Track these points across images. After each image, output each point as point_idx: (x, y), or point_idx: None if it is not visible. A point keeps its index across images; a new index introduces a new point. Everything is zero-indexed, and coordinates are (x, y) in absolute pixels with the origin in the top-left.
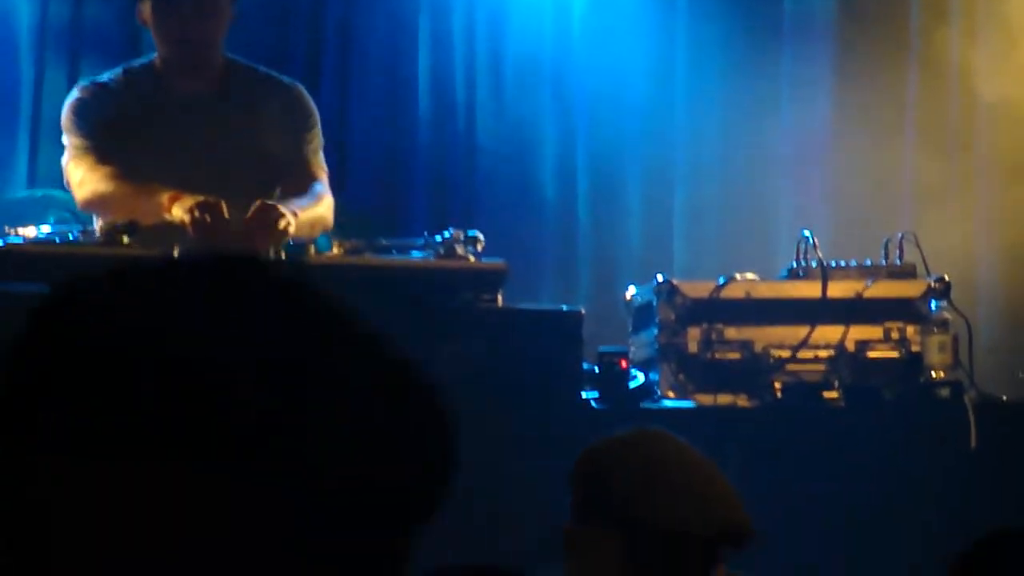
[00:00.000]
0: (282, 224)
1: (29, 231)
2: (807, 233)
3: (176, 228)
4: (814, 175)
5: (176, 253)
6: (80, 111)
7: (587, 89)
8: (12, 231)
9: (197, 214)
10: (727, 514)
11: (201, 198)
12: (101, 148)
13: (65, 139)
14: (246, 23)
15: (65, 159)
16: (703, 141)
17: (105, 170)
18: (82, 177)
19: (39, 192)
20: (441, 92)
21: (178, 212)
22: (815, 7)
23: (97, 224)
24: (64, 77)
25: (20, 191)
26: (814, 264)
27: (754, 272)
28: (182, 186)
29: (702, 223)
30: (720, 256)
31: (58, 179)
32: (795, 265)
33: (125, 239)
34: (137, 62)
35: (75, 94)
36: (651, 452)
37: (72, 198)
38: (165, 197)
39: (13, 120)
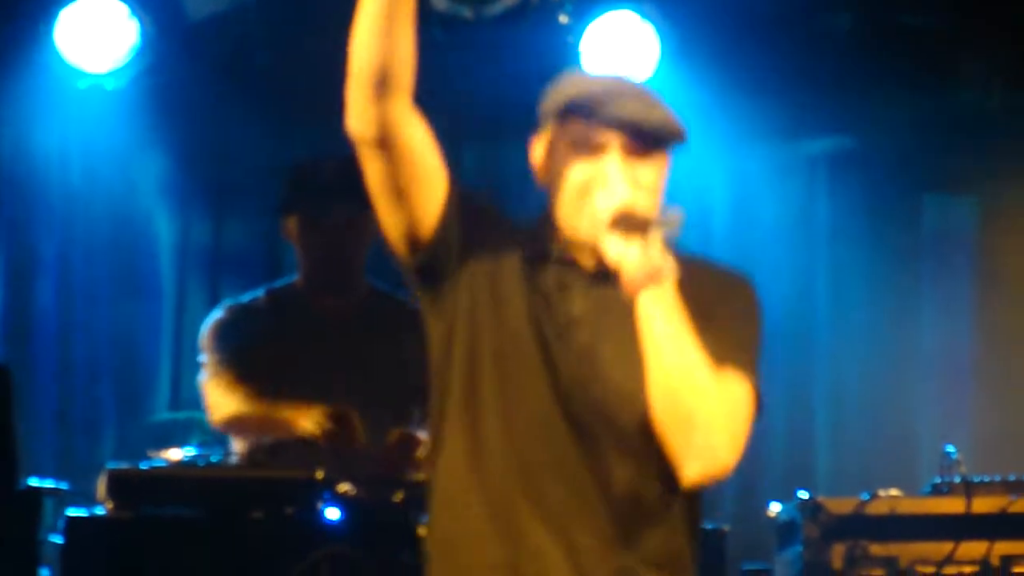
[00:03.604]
0: (421, 451)
1: (173, 454)
2: (950, 449)
3: (316, 450)
4: (957, 388)
5: (319, 475)
6: (219, 332)
7: None
8: (156, 454)
9: (326, 424)
10: None
11: (331, 409)
12: (237, 370)
13: (202, 358)
14: None
15: (201, 379)
16: (844, 356)
17: (239, 392)
18: (216, 400)
19: (182, 415)
20: None
21: (307, 423)
22: (954, 219)
23: (236, 446)
24: (204, 298)
25: (163, 414)
26: (958, 479)
27: (897, 488)
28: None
29: (844, 438)
30: (863, 471)
31: (200, 402)
32: (939, 480)
33: (267, 461)
34: (280, 283)
35: (216, 315)
36: None
37: None
38: (295, 411)
39: (155, 342)
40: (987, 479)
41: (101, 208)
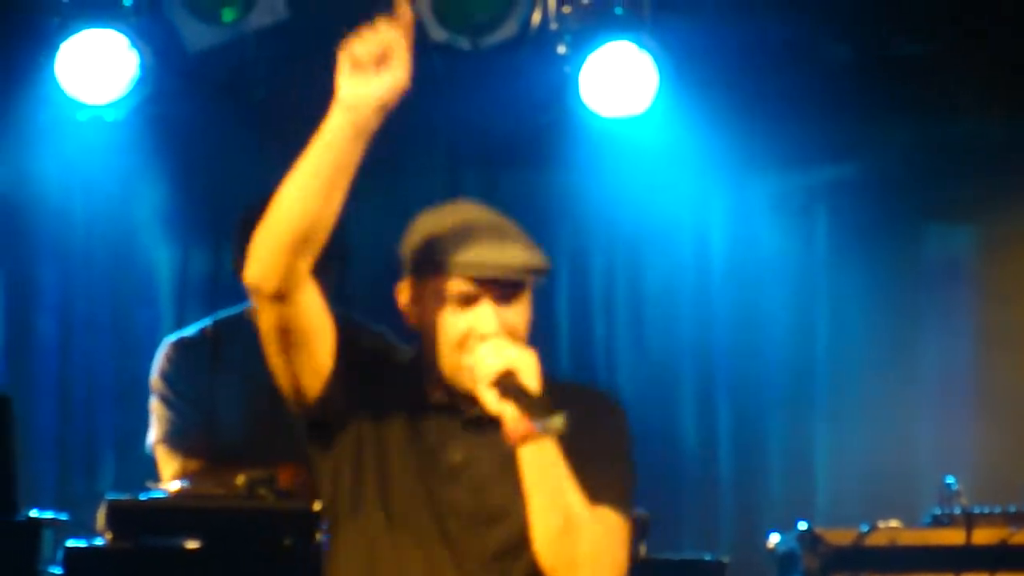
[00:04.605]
0: None
1: (171, 485)
2: (951, 480)
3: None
4: (957, 420)
5: (315, 506)
6: (168, 377)
7: (727, 333)
8: (154, 485)
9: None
10: None
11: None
12: (186, 433)
13: (152, 409)
14: None
15: (152, 438)
16: (844, 386)
17: (193, 464)
18: (167, 471)
19: None
20: (580, 336)
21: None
22: (955, 249)
23: (239, 478)
24: None
25: None
26: (958, 511)
27: (897, 519)
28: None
29: (844, 468)
30: (863, 502)
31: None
32: (939, 512)
33: (264, 492)
34: (227, 312)
35: (161, 355)
36: None
37: None
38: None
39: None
40: (988, 510)
41: (101, 238)
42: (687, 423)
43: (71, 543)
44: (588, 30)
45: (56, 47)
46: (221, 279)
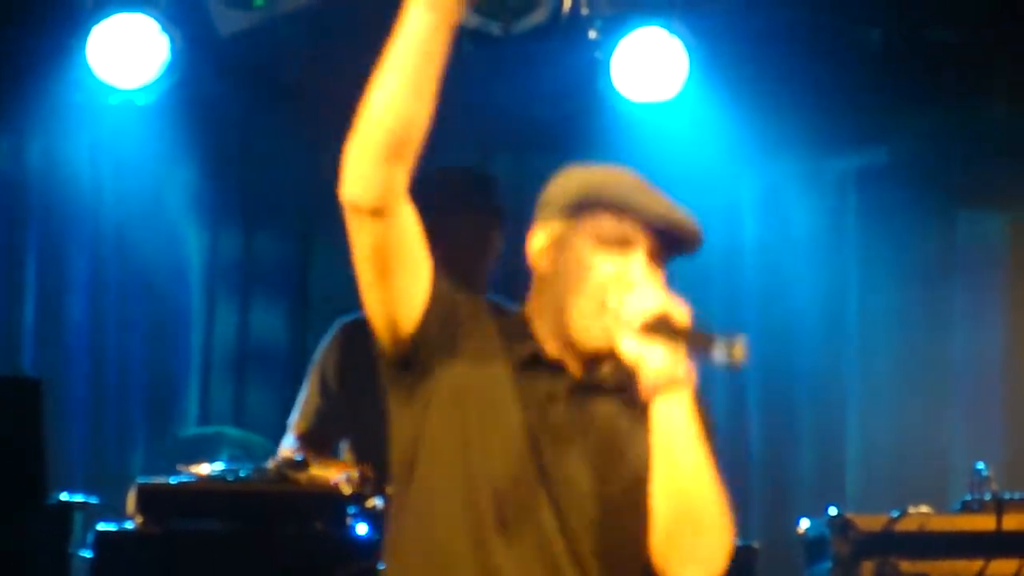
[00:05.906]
0: None
1: (202, 468)
2: (981, 466)
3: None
4: (988, 406)
5: (346, 489)
6: (323, 363)
7: (757, 318)
8: (185, 469)
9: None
10: None
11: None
12: (311, 424)
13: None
14: None
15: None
16: (875, 373)
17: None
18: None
19: (211, 429)
20: None
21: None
22: (986, 236)
23: (270, 461)
24: (234, 313)
25: (193, 428)
26: (988, 497)
27: (928, 505)
28: None
29: (875, 454)
30: (893, 487)
31: (229, 416)
32: (969, 497)
33: (294, 475)
34: None
35: (329, 336)
36: None
37: (244, 435)
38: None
39: (184, 356)
40: (1018, 496)
41: (131, 223)
42: (717, 408)
43: (101, 526)
44: (619, 15)
45: (88, 31)
46: (252, 263)
